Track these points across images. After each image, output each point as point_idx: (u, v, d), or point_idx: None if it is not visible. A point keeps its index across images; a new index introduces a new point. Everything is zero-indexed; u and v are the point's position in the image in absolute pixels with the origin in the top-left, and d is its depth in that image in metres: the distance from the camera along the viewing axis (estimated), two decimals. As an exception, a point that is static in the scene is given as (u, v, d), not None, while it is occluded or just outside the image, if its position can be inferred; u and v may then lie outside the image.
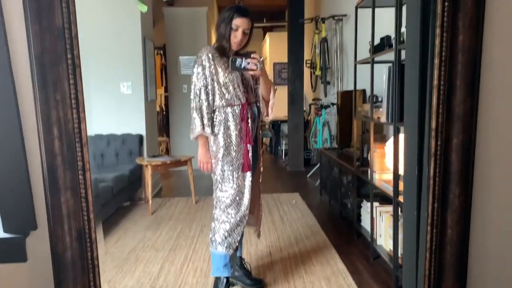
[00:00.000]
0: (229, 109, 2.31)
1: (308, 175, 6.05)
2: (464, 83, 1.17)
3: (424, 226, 1.49)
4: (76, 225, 1.14)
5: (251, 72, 2.19)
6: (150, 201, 4.32)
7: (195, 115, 2.28)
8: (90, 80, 4.74)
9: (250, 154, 2.34)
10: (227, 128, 2.30)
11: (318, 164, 5.76)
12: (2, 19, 1.06)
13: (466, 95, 1.17)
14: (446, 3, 1.12)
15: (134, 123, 4.97)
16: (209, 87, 2.28)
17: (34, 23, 1.04)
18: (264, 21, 10.33)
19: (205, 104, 2.27)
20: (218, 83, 2.28)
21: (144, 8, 2.23)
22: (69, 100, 1.08)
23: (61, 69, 1.07)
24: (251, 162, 2.34)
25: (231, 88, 2.29)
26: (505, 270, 1.27)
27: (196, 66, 2.30)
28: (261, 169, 2.59)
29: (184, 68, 6.86)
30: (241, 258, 2.62)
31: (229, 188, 2.33)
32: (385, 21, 3.05)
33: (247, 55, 2.29)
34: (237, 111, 2.31)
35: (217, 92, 2.29)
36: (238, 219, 2.35)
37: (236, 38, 2.25)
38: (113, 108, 4.89)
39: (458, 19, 1.13)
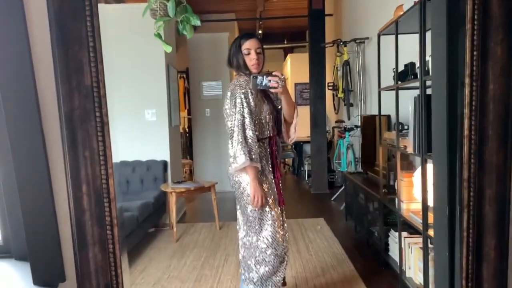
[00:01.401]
0: (262, 142, 2.29)
1: (333, 198, 5.97)
2: (496, 132, 1.13)
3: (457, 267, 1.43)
4: (103, 280, 1.14)
5: (273, 90, 2.16)
6: (175, 228, 4.33)
7: (240, 146, 2.15)
8: (115, 108, 4.85)
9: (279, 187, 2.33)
10: (264, 161, 2.28)
11: (343, 187, 5.68)
12: (33, 81, 1.09)
13: (498, 145, 1.13)
14: (475, 52, 1.10)
15: (159, 149, 5.03)
16: (252, 120, 2.20)
17: (65, 83, 1.07)
18: (285, 42, 10.41)
19: (252, 135, 2.19)
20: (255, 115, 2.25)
21: (169, 49, 2.26)
22: (98, 156, 1.10)
23: (89, 127, 1.09)
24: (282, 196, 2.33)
25: (263, 120, 2.28)
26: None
27: (238, 95, 2.21)
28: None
29: (206, 91, 6.95)
30: None
31: (270, 224, 2.25)
32: (408, 46, 3.02)
33: (268, 74, 2.26)
34: (267, 143, 2.31)
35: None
36: (283, 254, 2.31)
37: (252, 60, 2.25)
38: (138, 135, 4.97)
39: (488, 68, 1.10)
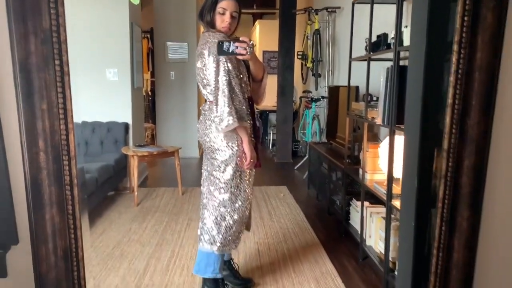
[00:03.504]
0: (245, 101, 2.19)
1: (296, 167, 6.01)
2: (480, 103, 1.11)
3: (426, 240, 1.45)
4: (62, 243, 1.06)
5: (240, 57, 2.05)
6: (136, 192, 4.23)
7: (227, 107, 2.05)
8: (76, 66, 4.57)
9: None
10: None
11: (306, 156, 5.73)
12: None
13: (481, 115, 1.12)
14: (466, 18, 1.06)
15: (120, 110, 4.84)
16: (238, 78, 2.11)
17: (19, 25, 0.94)
18: (254, 7, 10.15)
19: (238, 96, 2.11)
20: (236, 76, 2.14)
21: (136, 1, 2.09)
22: (57, 109, 0.99)
23: (48, 76, 0.98)
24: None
25: (244, 79, 2.17)
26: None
27: (210, 53, 2.07)
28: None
29: (172, 54, 6.70)
30: (230, 259, 2.57)
31: (245, 186, 2.25)
32: (381, 17, 2.98)
33: (236, 39, 2.13)
34: (245, 103, 2.18)
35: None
36: (246, 216, 2.31)
37: (224, 22, 2.10)
38: (98, 95, 4.74)
39: (478, 35, 1.07)
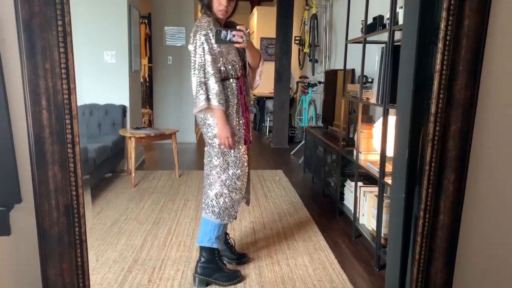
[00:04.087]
0: (232, 81, 2.24)
1: (292, 153, 6.07)
2: (467, 69, 1.15)
3: (414, 209, 1.51)
4: (64, 200, 1.10)
5: (237, 45, 2.11)
6: (133, 174, 4.27)
7: (199, 88, 2.12)
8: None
9: (247, 127, 2.32)
10: (231, 100, 2.23)
11: (302, 142, 5.78)
12: (-14, -20, 0.99)
13: (467, 81, 1.16)
14: (454, -14, 1.10)
15: (118, 93, 4.86)
16: (215, 61, 2.14)
17: (22, -14, 0.98)
18: (253, -6, 10.11)
19: (213, 77, 2.13)
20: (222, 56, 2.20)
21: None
22: (59, 69, 1.03)
23: (51, 36, 1.01)
24: (250, 135, 2.34)
25: (231, 60, 2.23)
26: (493, 258, 1.29)
27: (198, 36, 2.14)
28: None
29: (169, 39, 6.70)
30: (225, 233, 2.62)
31: (238, 164, 2.29)
32: (377, 1, 3.01)
33: (233, 27, 2.22)
34: (234, 83, 2.25)
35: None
36: (242, 191, 2.35)
37: (221, 5, 2.13)
38: (96, 77, 4.76)
39: (465, 2, 1.11)
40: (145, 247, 2.79)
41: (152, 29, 6.92)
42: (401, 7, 2.39)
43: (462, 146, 1.21)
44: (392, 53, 2.31)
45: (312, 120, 5.68)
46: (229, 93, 2.24)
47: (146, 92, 8.67)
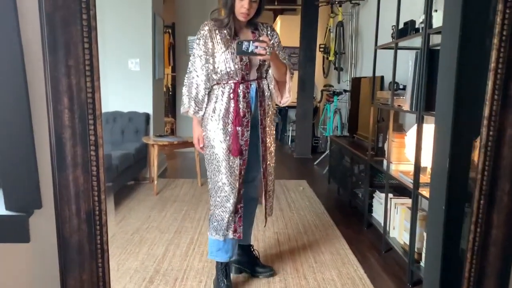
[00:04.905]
0: (220, 87, 2.14)
1: (315, 163, 5.94)
2: (526, 66, 1.04)
3: (457, 223, 1.39)
4: (85, 206, 1.03)
5: (260, 57, 1.98)
6: (155, 181, 4.23)
7: (184, 90, 2.18)
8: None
9: (242, 137, 2.14)
10: (216, 107, 2.14)
11: (327, 152, 5.65)
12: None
13: (526, 80, 1.05)
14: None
15: (141, 101, 4.86)
16: (205, 65, 2.11)
17: (46, -23, 0.92)
18: (276, 3, 10.09)
19: (201, 81, 2.12)
20: (213, 59, 2.12)
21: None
22: (83, 66, 0.96)
23: (75, 31, 0.95)
24: (241, 146, 2.15)
25: (226, 64, 2.09)
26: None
27: (196, 40, 2.15)
28: (272, 157, 2.37)
29: (192, 48, 6.70)
30: (249, 245, 2.52)
31: (217, 172, 2.18)
32: (407, 6, 2.90)
33: (255, 28, 2.16)
34: (227, 89, 2.13)
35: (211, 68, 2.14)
36: (229, 205, 2.17)
37: (242, 8, 2.01)
38: (120, 84, 4.77)
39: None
40: (167, 256, 2.71)
41: (176, 38, 6.95)
42: (436, 10, 2.28)
43: (519, 152, 1.10)
44: (428, 57, 2.19)
45: (337, 129, 5.55)
46: (215, 99, 2.15)
47: (169, 101, 8.70)
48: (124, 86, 4.79)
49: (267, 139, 2.29)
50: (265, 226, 2.58)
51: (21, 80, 1.00)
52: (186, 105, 2.18)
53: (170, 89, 8.84)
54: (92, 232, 1.05)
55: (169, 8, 7.45)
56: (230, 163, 2.16)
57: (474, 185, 1.15)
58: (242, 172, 2.19)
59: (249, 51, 1.93)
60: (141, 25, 4.74)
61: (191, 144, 4.48)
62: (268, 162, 2.32)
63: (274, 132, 2.39)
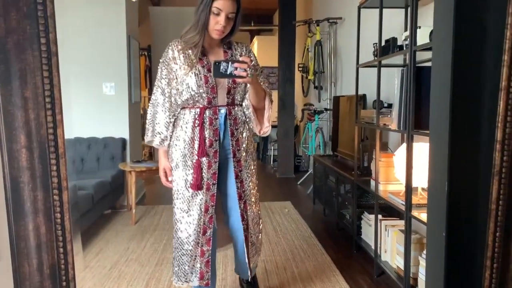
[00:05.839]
0: (183, 113, 2.00)
1: (299, 182, 5.84)
2: (540, 85, 0.96)
3: (458, 251, 1.28)
4: (49, 259, 0.88)
5: (240, 80, 1.80)
6: (134, 210, 4.03)
7: (148, 119, 2.05)
8: (70, 79, 4.43)
9: (208, 169, 1.96)
10: (180, 135, 1.99)
11: (310, 171, 5.56)
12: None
13: (540, 99, 0.97)
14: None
15: (117, 126, 4.68)
16: (167, 89, 1.99)
17: (-4, -4, 0.79)
18: (252, 24, 10.12)
19: (160, 115, 2.00)
20: (177, 82, 1.97)
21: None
22: (42, 97, 0.83)
23: (31, 57, 0.82)
24: (206, 180, 1.96)
25: (189, 88, 1.92)
26: None
27: (159, 67, 2.03)
28: (255, 200, 2.14)
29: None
30: (247, 280, 2.34)
31: (177, 209, 2.02)
32: (386, 24, 2.86)
33: (230, 47, 2.01)
34: (192, 115, 1.96)
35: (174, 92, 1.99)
36: (188, 247, 1.99)
37: (218, 24, 1.85)
38: (94, 109, 4.59)
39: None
40: (147, 293, 2.53)
41: (152, 61, 6.83)
42: (419, 27, 2.23)
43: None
44: (415, 75, 2.13)
45: (319, 148, 5.48)
46: (180, 125, 2.00)
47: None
48: (99, 110, 4.61)
49: (245, 175, 2.08)
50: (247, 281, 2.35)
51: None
52: (149, 136, 2.06)
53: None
54: (57, 289, 0.89)
55: (145, 30, 7.34)
56: (192, 199, 1.97)
57: (488, 216, 1.05)
58: (210, 210, 1.98)
59: (228, 73, 1.75)
60: (115, 48, 4.60)
61: (170, 169, 4.33)
62: (248, 204, 2.08)
63: (254, 171, 2.16)
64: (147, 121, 2.06)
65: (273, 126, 7.36)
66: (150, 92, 7.63)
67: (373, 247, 2.79)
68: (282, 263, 3.00)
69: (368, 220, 3.01)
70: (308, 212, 4.41)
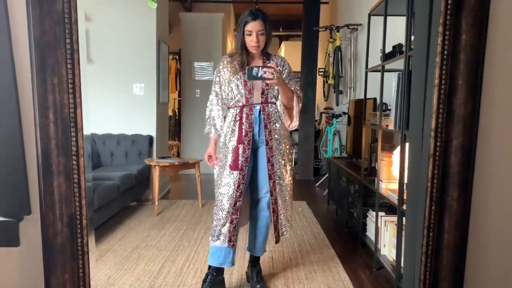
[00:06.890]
0: (229, 111, 2.47)
1: (317, 184, 6.00)
2: (466, 83, 1.14)
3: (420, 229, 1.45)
4: (67, 210, 1.14)
5: (268, 81, 2.23)
6: (157, 202, 4.33)
7: (206, 115, 2.57)
8: (103, 79, 4.81)
9: (243, 154, 2.38)
10: (226, 128, 2.45)
11: (327, 174, 5.71)
12: (5, 2, 1.07)
13: (467, 95, 1.14)
14: (450, 1, 1.10)
15: (145, 124, 5.01)
16: (219, 92, 2.47)
17: (35, 7, 1.05)
18: (280, 30, 10.37)
19: (215, 112, 2.51)
20: (225, 86, 2.44)
21: (154, 5, 2.27)
22: (66, 84, 1.09)
23: (59, 53, 1.08)
24: (240, 162, 2.38)
25: (233, 90, 2.40)
26: (503, 277, 1.22)
27: (214, 75, 2.51)
28: (284, 180, 2.50)
29: (198, 73, 6.91)
30: (255, 257, 2.67)
31: (220, 185, 2.44)
32: (399, 30, 3.03)
33: (268, 59, 2.44)
34: (233, 112, 2.42)
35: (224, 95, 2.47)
36: (222, 214, 2.41)
37: (252, 42, 2.32)
38: (124, 108, 4.94)
39: (461, 18, 1.11)
40: (162, 273, 2.79)
41: (182, 64, 7.17)
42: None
43: (465, 162, 1.18)
44: (408, 78, 2.30)
45: (337, 151, 5.63)
46: (227, 121, 2.46)
47: (175, 124, 8.88)
48: (129, 109, 4.96)
49: (277, 158, 2.45)
50: (276, 243, 2.69)
51: (13, 97, 1.12)
52: (207, 128, 2.57)
53: (177, 113, 9.05)
54: (73, 235, 1.15)
55: (176, 35, 7.72)
56: (230, 177, 2.39)
57: (425, 192, 1.23)
58: (241, 186, 2.40)
59: (258, 75, 2.17)
60: (146, 51, 4.94)
61: (192, 166, 4.61)
62: (278, 183, 2.46)
63: (290, 156, 2.56)
64: (205, 117, 2.57)
65: (295, 130, 7.59)
66: (180, 95, 8.01)
67: (374, 242, 2.95)
68: (289, 254, 3.19)
69: (372, 217, 3.17)
70: (322, 212, 4.58)
